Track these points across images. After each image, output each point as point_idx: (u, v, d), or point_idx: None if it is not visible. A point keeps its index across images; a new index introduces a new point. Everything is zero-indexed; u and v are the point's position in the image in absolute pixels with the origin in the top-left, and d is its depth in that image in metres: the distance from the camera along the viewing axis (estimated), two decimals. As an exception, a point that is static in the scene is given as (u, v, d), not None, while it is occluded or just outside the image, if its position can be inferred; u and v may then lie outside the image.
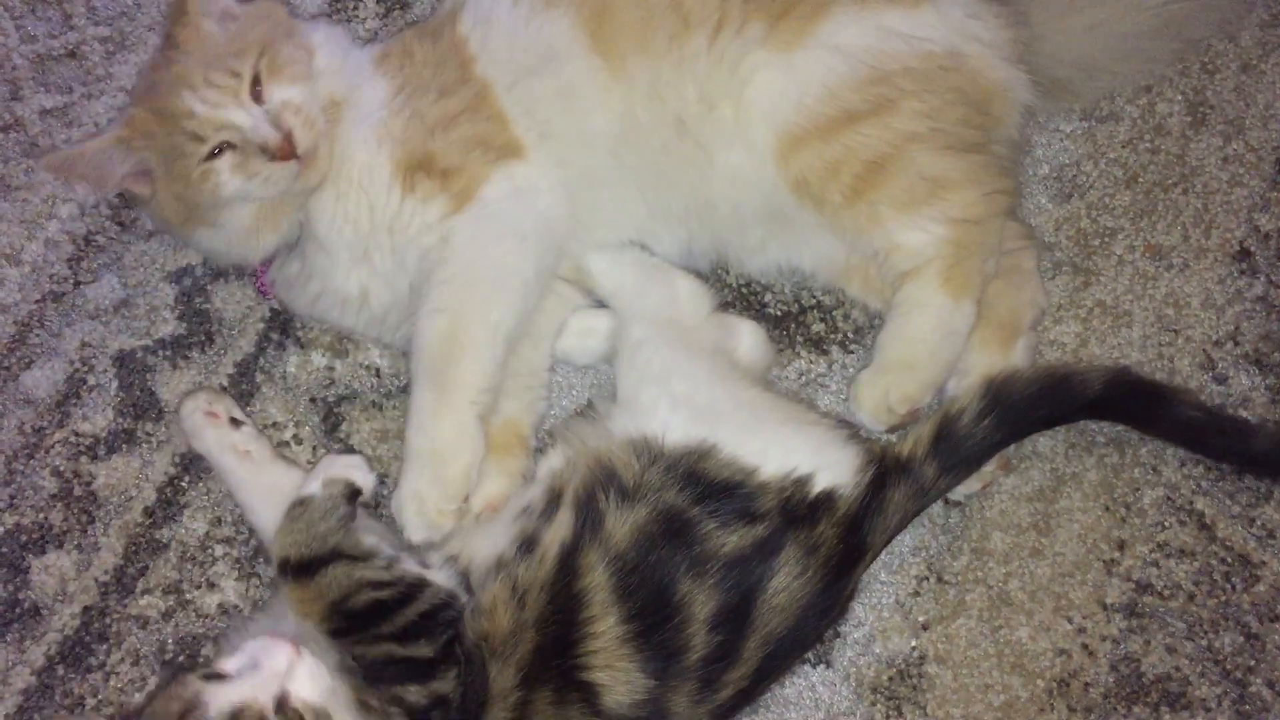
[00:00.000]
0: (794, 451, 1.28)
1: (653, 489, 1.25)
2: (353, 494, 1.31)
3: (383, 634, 1.18)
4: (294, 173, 1.38)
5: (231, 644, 1.21)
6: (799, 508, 1.25)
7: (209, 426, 1.44)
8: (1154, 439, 1.49)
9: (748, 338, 1.48)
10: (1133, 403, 1.41)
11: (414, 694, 1.17)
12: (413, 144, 1.42)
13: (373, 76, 1.46)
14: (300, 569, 1.22)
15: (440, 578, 1.25)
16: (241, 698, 1.11)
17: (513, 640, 1.19)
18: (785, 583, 1.22)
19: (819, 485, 1.26)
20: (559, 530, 1.25)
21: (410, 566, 1.25)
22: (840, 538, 1.25)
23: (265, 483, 1.41)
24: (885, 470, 1.30)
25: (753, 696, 1.27)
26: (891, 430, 1.46)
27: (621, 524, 1.23)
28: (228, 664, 1.14)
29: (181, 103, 1.37)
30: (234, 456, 1.43)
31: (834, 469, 1.28)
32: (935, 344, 1.41)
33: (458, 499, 1.35)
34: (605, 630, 1.19)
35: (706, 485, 1.24)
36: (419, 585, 1.22)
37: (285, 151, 1.37)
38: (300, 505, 1.28)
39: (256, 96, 1.38)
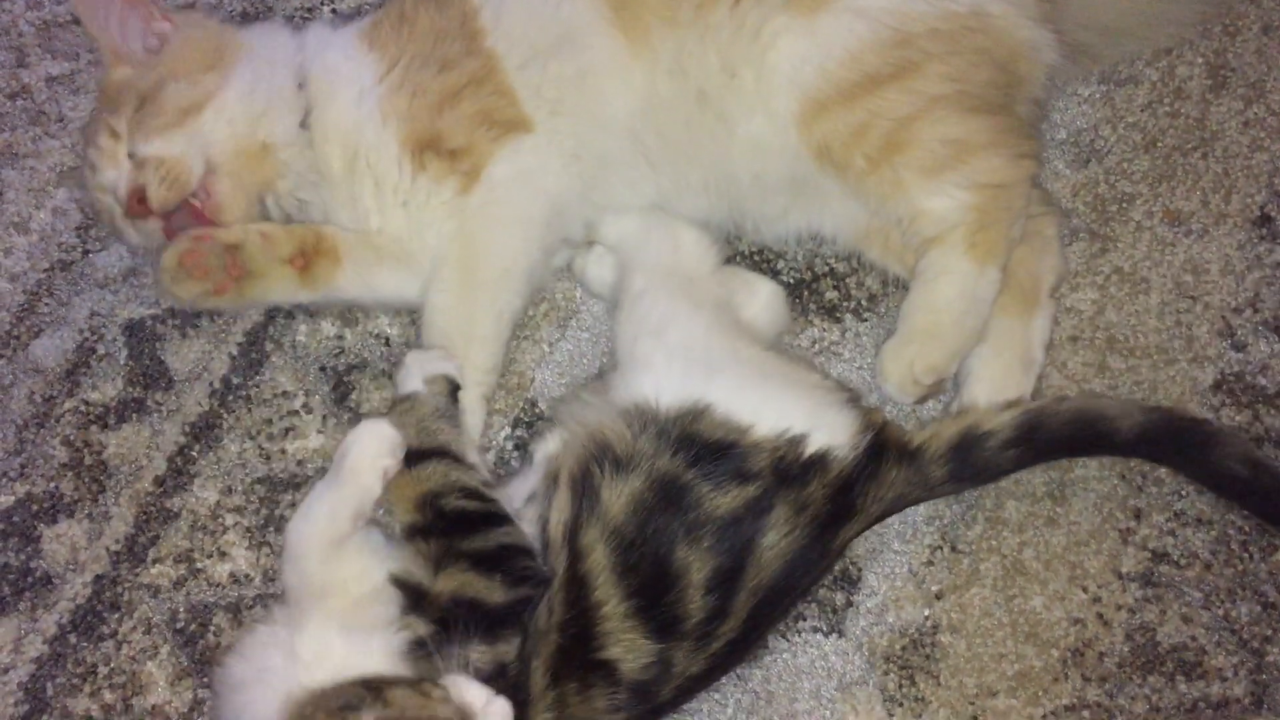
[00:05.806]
0: (789, 411, 1.26)
1: (646, 456, 1.23)
2: (453, 389, 1.35)
3: (462, 550, 1.19)
4: (156, 227, 1.40)
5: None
6: (792, 467, 1.23)
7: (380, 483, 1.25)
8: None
9: (764, 297, 1.47)
10: (1169, 447, 1.36)
11: (479, 655, 1.15)
12: (420, 121, 1.41)
13: (360, 53, 1.45)
14: (406, 458, 1.25)
15: (527, 529, 1.26)
16: None
17: (544, 641, 1.19)
18: (774, 540, 1.21)
19: (813, 446, 1.24)
20: (560, 512, 1.24)
21: (507, 503, 1.28)
22: (829, 498, 1.24)
23: None
24: (886, 443, 1.29)
25: (746, 643, 1.26)
26: (920, 402, 1.45)
27: (617, 496, 1.22)
28: (470, 694, 1.10)
29: (88, 157, 1.45)
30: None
31: (829, 430, 1.26)
32: (960, 312, 1.38)
33: None
34: (612, 610, 1.19)
35: (700, 447, 1.23)
36: (508, 519, 1.24)
37: (135, 209, 1.38)
38: (406, 401, 1.32)
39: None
